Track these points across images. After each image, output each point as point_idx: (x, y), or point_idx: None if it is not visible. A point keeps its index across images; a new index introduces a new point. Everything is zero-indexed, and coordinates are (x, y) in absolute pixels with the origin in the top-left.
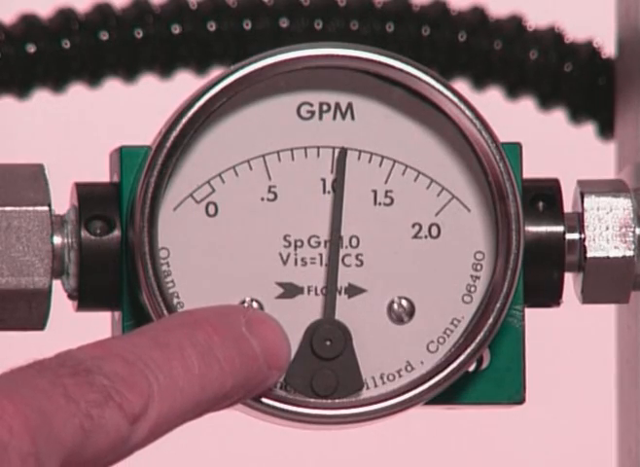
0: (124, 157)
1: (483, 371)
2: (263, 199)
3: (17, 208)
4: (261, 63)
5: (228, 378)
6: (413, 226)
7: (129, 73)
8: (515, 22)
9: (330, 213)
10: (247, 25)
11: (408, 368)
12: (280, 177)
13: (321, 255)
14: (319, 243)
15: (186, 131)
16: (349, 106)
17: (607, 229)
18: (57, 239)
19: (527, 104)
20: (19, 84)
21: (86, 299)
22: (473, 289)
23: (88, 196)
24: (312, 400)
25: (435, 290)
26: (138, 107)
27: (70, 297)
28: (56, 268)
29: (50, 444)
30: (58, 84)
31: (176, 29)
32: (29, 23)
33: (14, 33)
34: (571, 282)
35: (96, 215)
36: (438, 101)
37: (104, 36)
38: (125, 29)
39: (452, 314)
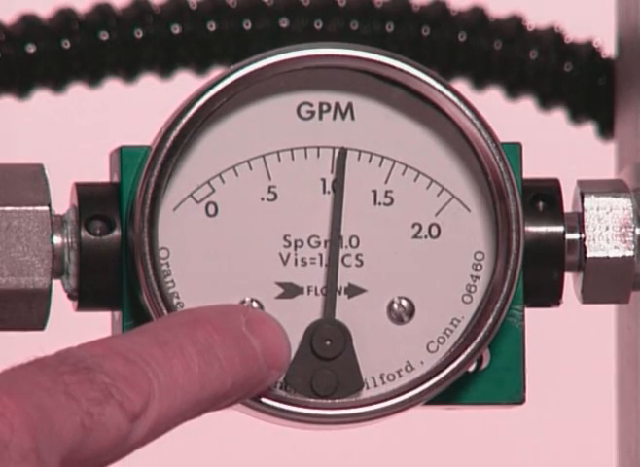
0: (124, 157)
1: (483, 371)
2: (263, 199)
3: (17, 208)
4: (261, 63)
5: (228, 378)
6: (413, 226)
7: (129, 73)
8: (515, 22)
9: (330, 213)
10: (247, 25)
11: (408, 368)
12: (280, 177)
13: (321, 255)
14: (319, 243)
15: (186, 131)
16: (349, 106)
17: (607, 229)
18: (57, 239)
19: (527, 104)
20: (19, 84)
21: (86, 299)
22: (473, 289)
23: (88, 196)
24: (312, 400)
25: (435, 290)
26: (138, 107)
27: (70, 297)
28: (56, 268)
29: (50, 441)
30: (58, 84)
31: (176, 29)
32: (29, 23)
33: (14, 33)
34: (571, 282)
35: (96, 215)
36: (438, 101)
37: (104, 36)
38: (125, 29)
39: (452, 314)
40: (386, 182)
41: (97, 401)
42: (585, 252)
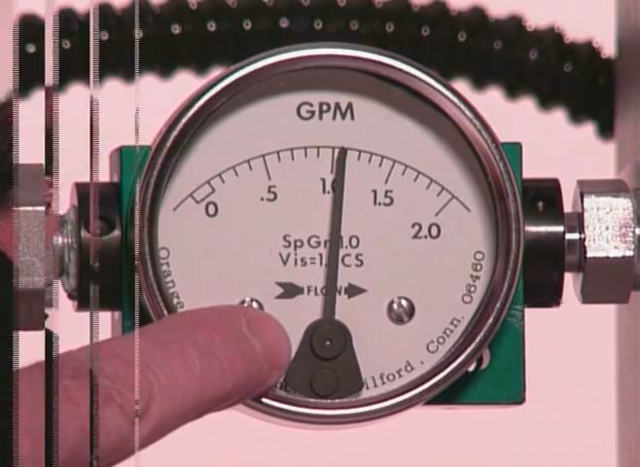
0: (124, 157)
1: (483, 371)
2: (263, 199)
3: (18, 208)
4: (261, 63)
5: (229, 379)
6: (413, 226)
7: (129, 73)
8: (515, 22)
9: (330, 213)
10: (247, 25)
11: (408, 368)
12: (280, 177)
13: (321, 255)
14: (319, 243)
15: (186, 131)
16: (349, 106)
17: (607, 229)
18: (57, 239)
19: (527, 104)
20: (20, 84)
21: (86, 299)
22: (473, 289)
23: (88, 196)
24: (312, 400)
25: (435, 290)
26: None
27: (70, 297)
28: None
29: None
30: (59, 84)
31: (176, 29)
32: (29, 24)
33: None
34: (571, 282)
35: (96, 215)
36: (438, 101)
37: (104, 36)
38: (126, 29)
39: (452, 314)
40: (386, 182)
41: (98, 404)
42: (585, 252)
